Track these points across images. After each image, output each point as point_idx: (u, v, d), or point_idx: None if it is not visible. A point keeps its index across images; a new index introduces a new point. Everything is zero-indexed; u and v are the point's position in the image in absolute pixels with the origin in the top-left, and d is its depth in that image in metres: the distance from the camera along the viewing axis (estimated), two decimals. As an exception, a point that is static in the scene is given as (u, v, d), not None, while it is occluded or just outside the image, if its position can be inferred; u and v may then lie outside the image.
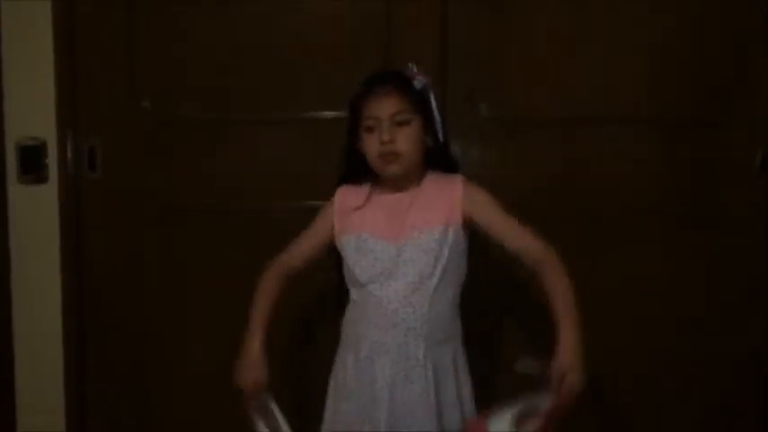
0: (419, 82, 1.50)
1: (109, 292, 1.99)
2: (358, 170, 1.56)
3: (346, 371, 1.53)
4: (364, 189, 1.56)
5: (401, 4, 1.93)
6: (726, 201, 1.96)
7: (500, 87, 1.94)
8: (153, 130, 1.96)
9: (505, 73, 1.94)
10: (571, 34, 1.93)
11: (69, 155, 1.94)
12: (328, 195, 1.92)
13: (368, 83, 1.51)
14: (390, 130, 1.45)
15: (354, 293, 1.55)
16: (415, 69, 1.52)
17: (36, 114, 1.91)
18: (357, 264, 1.51)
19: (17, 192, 1.93)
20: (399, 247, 1.48)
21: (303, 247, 1.59)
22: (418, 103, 1.49)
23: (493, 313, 1.97)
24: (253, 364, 1.52)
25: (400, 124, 1.47)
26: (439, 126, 1.52)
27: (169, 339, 2.01)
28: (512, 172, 1.94)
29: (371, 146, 1.48)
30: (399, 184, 1.52)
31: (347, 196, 1.57)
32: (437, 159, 1.54)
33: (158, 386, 2.03)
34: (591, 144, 1.95)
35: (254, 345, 1.52)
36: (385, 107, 1.46)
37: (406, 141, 1.47)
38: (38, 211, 1.93)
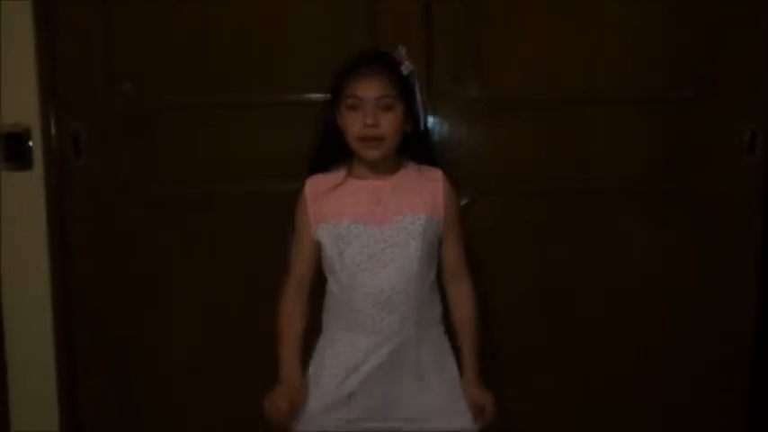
0: (406, 68, 1.48)
1: (96, 278, 1.98)
2: (333, 148, 1.53)
3: (332, 360, 1.51)
4: (335, 175, 1.53)
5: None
6: (713, 179, 1.96)
7: (487, 67, 1.92)
8: (136, 114, 1.94)
9: (492, 53, 1.92)
10: (558, 14, 1.92)
11: (53, 141, 1.92)
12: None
13: (355, 61, 1.49)
14: (375, 114, 1.44)
15: (338, 284, 1.51)
16: (403, 53, 1.50)
17: (19, 101, 1.89)
18: (343, 252, 1.48)
19: (1, 179, 1.91)
20: (384, 231, 1.47)
21: (302, 254, 1.55)
22: (403, 88, 1.47)
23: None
24: (294, 390, 1.50)
25: (384, 108, 1.45)
26: (422, 114, 1.51)
27: (156, 324, 2.00)
28: (499, 151, 1.94)
29: (353, 125, 1.46)
30: (376, 168, 1.51)
31: (317, 184, 1.54)
32: (413, 147, 1.53)
33: (145, 371, 2.02)
34: (578, 123, 1.95)
35: (294, 371, 1.51)
36: (371, 89, 1.44)
37: (390, 126, 1.45)
38: (23, 197, 1.92)
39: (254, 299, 1.95)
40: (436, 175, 1.53)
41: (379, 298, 1.46)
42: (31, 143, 1.90)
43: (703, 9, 1.91)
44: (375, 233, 1.47)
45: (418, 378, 1.51)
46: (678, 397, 2.03)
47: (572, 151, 1.95)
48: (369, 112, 1.43)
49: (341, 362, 1.50)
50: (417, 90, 1.50)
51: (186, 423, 2.03)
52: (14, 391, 1.99)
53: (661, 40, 1.93)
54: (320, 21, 1.92)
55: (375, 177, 1.51)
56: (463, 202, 1.81)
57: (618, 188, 1.97)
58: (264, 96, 1.94)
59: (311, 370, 1.55)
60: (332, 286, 1.54)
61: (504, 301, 1.96)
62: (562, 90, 1.94)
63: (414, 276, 1.48)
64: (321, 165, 1.55)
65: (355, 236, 1.47)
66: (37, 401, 1.99)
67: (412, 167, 1.54)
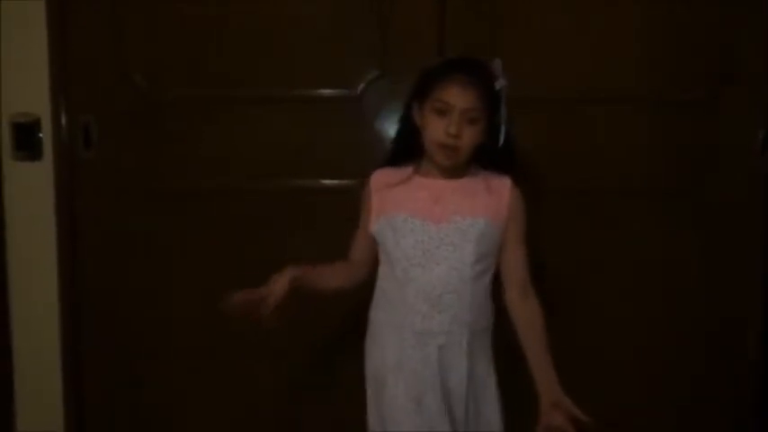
0: (500, 83, 1.47)
1: (105, 271, 1.98)
2: (408, 143, 1.53)
3: (386, 357, 1.50)
4: (401, 171, 1.54)
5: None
6: (715, 181, 1.96)
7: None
8: (146, 107, 1.94)
9: (502, 52, 1.91)
10: (569, 14, 1.92)
11: (63, 132, 1.93)
12: (321, 174, 1.95)
13: (453, 65, 1.47)
14: (459, 125, 1.42)
15: (392, 278, 1.51)
16: (500, 67, 1.48)
17: (30, 91, 1.90)
18: (397, 245, 1.48)
19: (11, 168, 1.92)
20: (441, 229, 1.46)
21: (358, 240, 1.58)
22: (492, 103, 1.46)
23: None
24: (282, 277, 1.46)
25: (469, 121, 1.44)
26: (503, 130, 1.49)
27: (162, 322, 1.99)
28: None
29: (435, 130, 1.44)
30: (444, 171, 1.50)
31: (383, 177, 1.55)
32: (490, 158, 1.52)
33: (149, 370, 2.01)
34: (588, 123, 1.95)
35: (297, 266, 1.48)
36: (463, 99, 1.42)
37: (470, 140, 1.44)
38: (32, 187, 1.92)
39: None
40: (505, 182, 1.52)
41: (430, 295, 1.45)
42: (41, 134, 1.91)
43: (715, 9, 1.91)
44: (431, 230, 1.46)
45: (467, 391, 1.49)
46: (679, 397, 2.03)
47: (575, 151, 1.94)
48: (454, 122, 1.42)
49: (386, 362, 1.50)
50: (503, 105, 1.48)
51: (190, 423, 2.03)
52: (19, 390, 1.99)
53: (672, 41, 1.93)
54: (330, 18, 1.92)
55: (441, 177, 1.51)
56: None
57: (619, 188, 1.97)
58: (274, 91, 1.94)
59: (369, 373, 1.56)
60: (383, 281, 1.54)
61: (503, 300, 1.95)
62: (571, 90, 1.94)
63: (466, 279, 1.46)
64: (394, 158, 1.57)
65: (410, 230, 1.47)
66: (42, 401, 1.99)
67: (481, 173, 1.53)
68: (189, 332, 1.99)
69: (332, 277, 1.56)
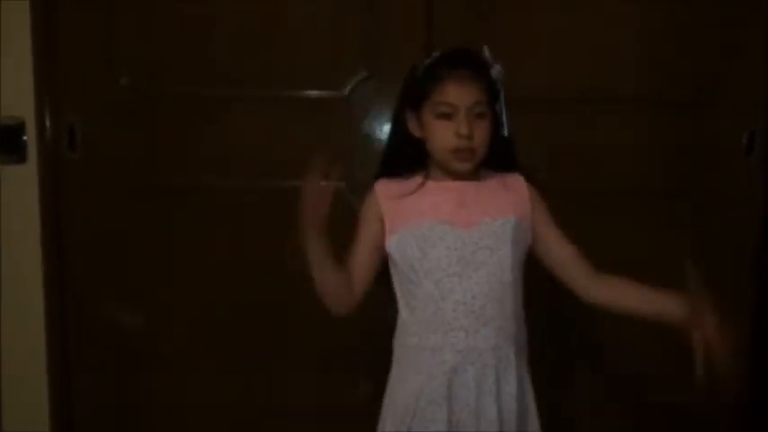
0: (497, 71, 1.36)
1: (91, 273, 1.97)
2: (406, 155, 1.39)
3: (417, 392, 1.34)
4: (410, 181, 1.39)
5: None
6: (712, 181, 1.97)
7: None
8: (132, 107, 1.93)
9: (494, 52, 1.92)
10: (560, 14, 1.92)
11: (48, 134, 1.91)
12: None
13: (444, 62, 1.34)
14: (469, 124, 1.30)
15: (422, 296, 1.34)
16: (490, 54, 1.37)
17: (14, 93, 1.87)
18: (426, 256, 1.32)
19: (-4, 171, 1.91)
20: (473, 234, 1.33)
21: (360, 256, 1.38)
22: (492, 94, 1.35)
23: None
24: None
25: (477, 117, 1.32)
26: (505, 121, 1.38)
27: (150, 321, 1.99)
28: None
29: (443, 136, 1.32)
30: (458, 175, 1.38)
31: (390, 187, 1.39)
32: (494, 154, 1.39)
33: (142, 364, 2.01)
34: (578, 124, 1.95)
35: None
36: (465, 95, 1.30)
37: (483, 136, 1.33)
38: (18, 191, 1.90)
39: (253, 296, 1.96)
40: (518, 180, 1.42)
41: (472, 306, 1.31)
42: (25, 137, 1.89)
43: (703, 10, 1.92)
44: (463, 235, 1.33)
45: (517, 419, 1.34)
46: (678, 396, 2.01)
47: (572, 151, 1.95)
48: (463, 121, 1.30)
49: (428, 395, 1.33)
50: (501, 94, 1.38)
51: (181, 423, 2.02)
52: (5, 390, 1.97)
53: (661, 42, 1.93)
54: (321, 17, 1.91)
55: (458, 180, 1.38)
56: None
57: (616, 188, 1.97)
58: (264, 91, 1.93)
59: (389, 410, 1.41)
60: (408, 301, 1.37)
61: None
62: (563, 90, 1.94)
63: (507, 285, 1.34)
64: (391, 171, 1.42)
65: (440, 237, 1.33)
66: (28, 401, 1.97)
67: (492, 173, 1.41)
68: (177, 332, 1.99)
69: (337, 270, 1.35)
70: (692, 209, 1.98)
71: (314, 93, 1.93)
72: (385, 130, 1.90)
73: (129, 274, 1.98)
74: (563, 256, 1.40)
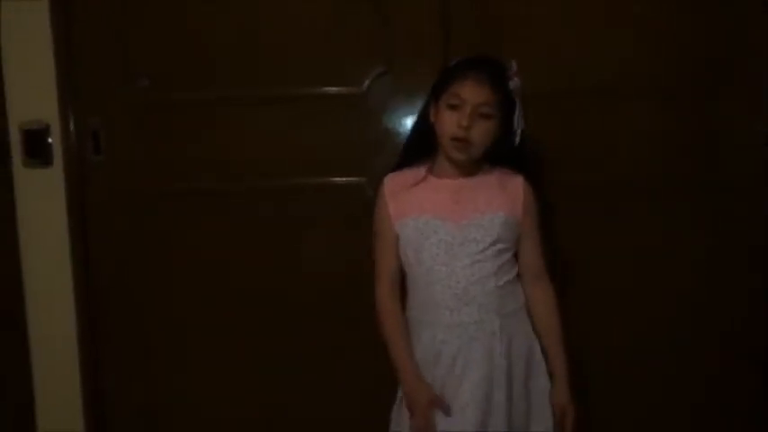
0: (514, 83, 1.51)
1: (118, 274, 1.99)
2: (423, 143, 1.58)
3: (419, 353, 1.54)
4: (413, 173, 1.58)
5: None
6: (729, 172, 1.95)
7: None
8: (153, 110, 1.95)
9: (506, 45, 1.90)
10: (572, 9, 1.92)
11: (72, 137, 1.94)
12: (329, 173, 1.95)
13: (469, 63, 1.52)
14: (471, 118, 1.46)
15: (418, 279, 1.55)
16: (515, 68, 1.53)
17: (39, 98, 1.91)
18: (422, 246, 1.52)
19: (22, 175, 1.93)
20: (462, 227, 1.51)
21: (387, 248, 1.59)
22: (505, 102, 1.50)
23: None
24: (428, 401, 1.49)
25: (482, 116, 1.48)
26: (518, 130, 1.53)
27: (178, 321, 2.01)
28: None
29: (448, 124, 1.49)
30: (458, 168, 1.55)
31: (395, 182, 1.59)
32: (503, 157, 1.57)
33: (168, 369, 2.03)
34: (593, 116, 1.94)
35: (420, 383, 1.51)
36: (476, 93, 1.47)
37: (481, 134, 1.48)
38: (44, 194, 1.93)
39: (276, 296, 1.98)
40: (517, 180, 1.58)
41: (455, 290, 1.50)
42: (50, 140, 1.92)
43: (719, 3, 1.90)
44: (452, 228, 1.51)
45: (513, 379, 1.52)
46: (692, 395, 2.02)
47: (587, 143, 1.94)
48: (466, 115, 1.46)
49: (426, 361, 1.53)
50: (518, 107, 1.53)
51: (207, 421, 2.04)
52: (39, 389, 2.01)
53: (677, 33, 1.92)
54: (331, 18, 1.92)
55: (456, 176, 1.56)
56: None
57: (630, 181, 1.96)
58: (280, 90, 1.94)
59: None
60: (410, 282, 1.58)
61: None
62: (576, 83, 1.93)
63: (490, 271, 1.51)
64: (408, 159, 1.61)
65: (434, 231, 1.52)
66: (61, 400, 2.00)
67: (494, 170, 1.58)
68: (204, 331, 2.01)
69: (404, 322, 1.58)
70: (710, 199, 1.96)
71: (332, 89, 1.93)
72: (403, 124, 1.93)
73: (156, 272, 2.00)
74: (526, 261, 1.59)
